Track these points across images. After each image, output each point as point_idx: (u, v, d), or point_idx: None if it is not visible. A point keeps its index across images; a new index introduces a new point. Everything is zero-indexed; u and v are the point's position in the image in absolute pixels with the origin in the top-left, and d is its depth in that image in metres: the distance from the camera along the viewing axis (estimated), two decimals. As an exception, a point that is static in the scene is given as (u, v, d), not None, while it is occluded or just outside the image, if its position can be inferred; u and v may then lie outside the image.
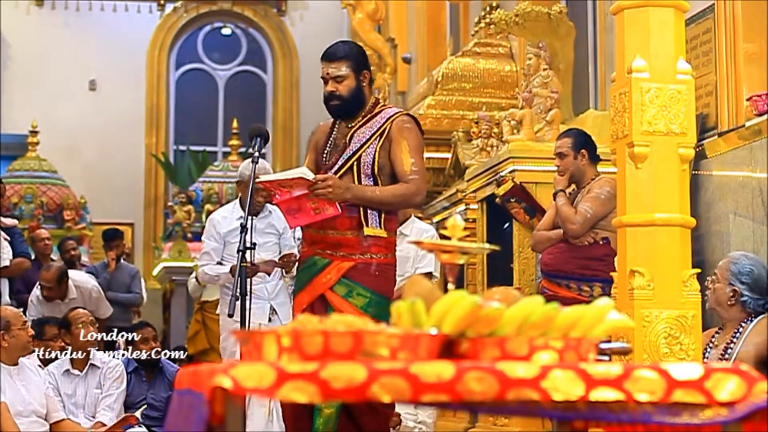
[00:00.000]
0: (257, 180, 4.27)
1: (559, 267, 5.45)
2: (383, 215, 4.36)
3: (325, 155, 4.43)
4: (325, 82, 4.40)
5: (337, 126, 4.49)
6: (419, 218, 6.66)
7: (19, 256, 7.48)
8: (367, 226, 4.31)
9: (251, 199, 4.34)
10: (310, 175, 4.18)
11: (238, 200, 6.33)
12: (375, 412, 4.19)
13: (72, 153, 15.58)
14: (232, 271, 5.88)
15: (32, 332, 5.71)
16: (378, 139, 4.37)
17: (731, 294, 4.38)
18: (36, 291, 7.69)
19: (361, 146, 4.37)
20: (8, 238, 7.41)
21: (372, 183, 4.35)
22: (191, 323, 9.30)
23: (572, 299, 5.03)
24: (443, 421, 7.25)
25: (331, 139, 4.47)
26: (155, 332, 6.72)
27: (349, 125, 4.44)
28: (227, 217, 6.21)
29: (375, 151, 4.35)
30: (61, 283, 7.65)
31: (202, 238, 6.28)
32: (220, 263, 6.14)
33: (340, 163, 4.36)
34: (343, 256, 4.33)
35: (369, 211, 4.32)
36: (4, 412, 5.25)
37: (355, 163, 4.35)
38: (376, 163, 4.34)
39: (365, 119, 4.42)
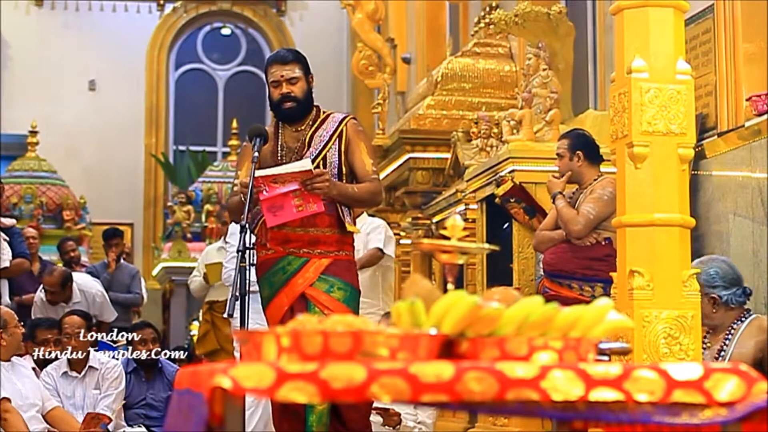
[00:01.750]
0: (254, 176, 4.26)
1: (561, 267, 5.45)
2: (353, 213, 4.51)
3: (280, 158, 4.47)
4: (277, 85, 4.47)
5: (281, 131, 4.53)
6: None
7: (19, 257, 7.47)
8: (345, 223, 4.42)
9: (251, 197, 4.34)
10: (311, 167, 4.21)
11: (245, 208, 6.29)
12: (357, 406, 4.23)
13: (71, 153, 15.58)
14: None
15: (23, 330, 5.77)
16: (338, 140, 4.48)
17: (712, 303, 4.40)
18: (40, 293, 7.70)
19: (324, 147, 4.46)
20: (7, 238, 7.41)
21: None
22: (201, 324, 9.25)
23: (574, 299, 5.03)
24: (443, 421, 7.25)
25: (280, 143, 4.52)
26: (155, 334, 6.70)
27: (298, 129, 4.51)
28: None
29: (338, 151, 4.47)
30: (64, 287, 7.66)
31: (231, 241, 6.15)
32: None
33: None
34: (320, 254, 4.39)
35: (344, 209, 4.42)
36: (8, 407, 5.29)
37: (321, 162, 4.41)
38: (342, 163, 4.46)
39: (317, 123, 4.52)
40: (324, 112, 4.58)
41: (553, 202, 5.57)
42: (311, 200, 4.25)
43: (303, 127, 4.51)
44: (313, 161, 4.39)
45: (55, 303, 7.62)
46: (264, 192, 4.23)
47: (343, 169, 4.46)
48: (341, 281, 4.39)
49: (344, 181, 4.45)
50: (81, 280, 8.01)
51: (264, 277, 4.47)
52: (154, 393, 6.50)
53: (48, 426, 5.61)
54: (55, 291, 7.62)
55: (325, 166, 4.41)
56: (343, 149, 4.47)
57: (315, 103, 4.59)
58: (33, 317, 7.52)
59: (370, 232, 6.65)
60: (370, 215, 6.94)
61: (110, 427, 5.90)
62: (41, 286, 7.74)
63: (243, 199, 4.25)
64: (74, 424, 5.73)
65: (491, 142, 8.08)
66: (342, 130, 4.49)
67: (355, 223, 4.57)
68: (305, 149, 4.46)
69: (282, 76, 4.46)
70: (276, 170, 4.28)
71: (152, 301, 12.30)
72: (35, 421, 5.49)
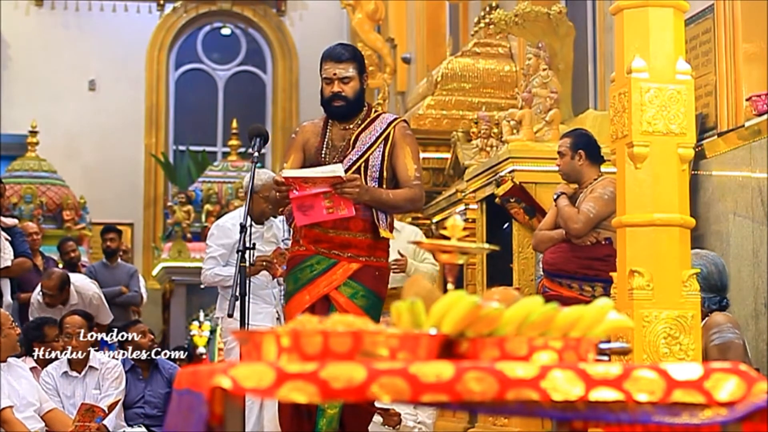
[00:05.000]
0: (284, 176, 4.23)
1: (562, 267, 5.45)
2: (388, 219, 4.43)
3: (324, 156, 4.43)
4: (329, 83, 4.41)
5: (329, 127, 4.49)
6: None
7: (20, 256, 7.48)
8: (380, 228, 4.37)
9: (251, 197, 4.34)
10: (342, 173, 4.19)
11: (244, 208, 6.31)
12: (359, 410, 4.24)
13: (72, 153, 15.58)
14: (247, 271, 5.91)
15: (19, 331, 5.77)
16: (383, 143, 4.42)
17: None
18: (37, 295, 7.69)
19: (368, 149, 4.41)
20: (9, 238, 7.41)
21: (376, 186, 4.40)
22: None
23: (574, 299, 5.03)
24: (443, 421, 7.25)
25: (327, 140, 4.47)
26: (148, 328, 6.73)
27: (346, 127, 4.46)
28: (237, 224, 6.22)
29: (382, 155, 4.41)
30: (62, 290, 7.66)
31: (209, 242, 6.20)
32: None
33: (347, 164, 4.36)
34: (350, 257, 4.35)
35: (379, 214, 4.36)
36: (10, 418, 5.30)
37: (363, 165, 4.37)
38: (384, 167, 4.41)
39: (365, 123, 4.46)
40: (375, 111, 4.54)
41: (555, 201, 5.57)
42: (342, 204, 4.22)
43: (351, 126, 4.46)
44: (354, 163, 4.35)
45: (52, 306, 7.61)
46: (294, 191, 4.21)
47: (385, 173, 4.41)
48: (366, 289, 4.36)
49: (385, 185, 4.40)
50: (78, 282, 8.00)
51: (291, 272, 4.45)
52: (152, 390, 6.50)
53: (45, 426, 5.61)
54: (53, 294, 7.62)
55: (366, 169, 4.37)
56: (387, 153, 4.42)
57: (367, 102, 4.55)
58: (30, 316, 7.54)
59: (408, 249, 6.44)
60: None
61: (111, 427, 5.90)
62: (39, 287, 7.73)
63: (278, 196, 4.24)
64: (71, 426, 5.74)
65: (491, 142, 8.08)
66: (389, 133, 4.44)
67: (392, 229, 4.53)
68: (350, 149, 4.41)
69: (335, 74, 4.40)
70: (307, 172, 4.24)
71: (152, 301, 12.29)
72: (32, 420, 5.50)
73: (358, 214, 4.28)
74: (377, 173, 4.39)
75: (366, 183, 4.34)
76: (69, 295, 7.71)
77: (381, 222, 4.37)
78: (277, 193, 4.23)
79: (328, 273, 4.35)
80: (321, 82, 4.49)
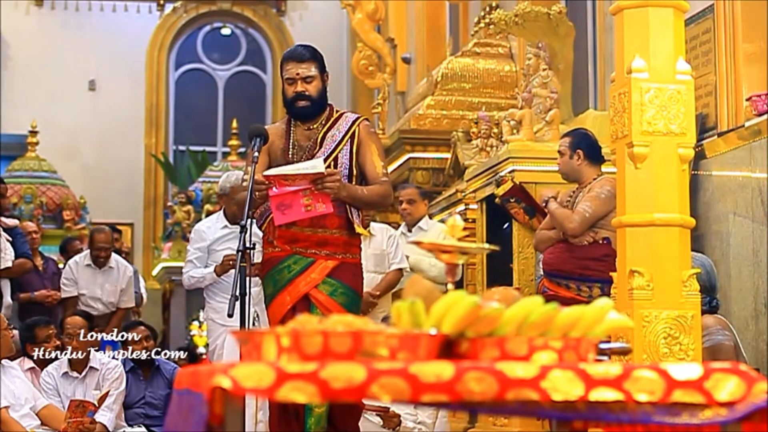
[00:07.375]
0: (265, 174, 4.24)
1: (559, 267, 5.44)
2: (361, 215, 4.47)
3: (291, 156, 4.46)
4: (292, 83, 4.46)
5: (293, 128, 4.52)
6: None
7: (21, 257, 7.50)
8: (355, 224, 4.41)
9: (251, 198, 4.33)
10: (323, 168, 4.21)
11: (222, 211, 6.43)
12: (348, 407, 4.25)
13: (71, 153, 15.58)
14: (216, 270, 6.06)
15: (14, 333, 5.80)
16: (350, 141, 4.47)
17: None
18: (78, 259, 7.95)
19: (336, 147, 4.45)
20: (9, 238, 7.42)
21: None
22: None
23: (571, 299, 5.02)
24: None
25: (292, 140, 4.50)
26: (148, 331, 6.70)
27: (310, 127, 4.50)
28: (211, 227, 6.37)
29: (350, 153, 4.46)
30: (113, 243, 8.06)
31: (188, 246, 6.45)
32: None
33: None
34: (327, 255, 4.38)
35: (353, 211, 4.39)
36: (7, 418, 5.30)
37: (332, 163, 4.41)
38: (353, 165, 4.45)
39: (329, 122, 4.51)
40: (337, 111, 4.57)
41: (545, 207, 5.58)
42: (320, 200, 4.24)
43: (315, 126, 4.50)
44: (324, 161, 4.38)
45: (102, 263, 7.83)
46: (273, 189, 4.22)
47: (354, 170, 4.45)
48: (345, 286, 4.39)
49: (354, 183, 4.44)
50: (114, 255, 8.26)
51: (268, 274, 4.45)
52: (152, 391, 6.49)
53: (40, 423, 5.62)
54: (108, 247, 7.89)
55: (335, 167, 4.40)
56: (354, 150, 4.46)
57: (328, 102, 4.59)
58: (62, 279, 7.82)
59: (389, 245, 6.51)
60: (373, 221, 6.92)
61: (111, 427, 5.90)
62: (87, 251, 8.02)
63: (257, 195, 4.25)
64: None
65: (491, 142, 8.08)
66: (354, 131, 4.48)
67: (365, 227, 4.57)
68: (317, 148, 4.45)
69: (297, 74, 4.45)
70: (287, 169, 4.26)
71: (152, 301, 12.28)
72: (28, 418, 5.52)
73: (334, 211, 4.31)
74: (346, 171, 4.44)
75: None
76: (111, 256, 7.98)
77: (355, 218, 4.41)
78: (257, 193, 4.24)
79: (306, 272, 4.37)
80: (282, 84, 4.53)
